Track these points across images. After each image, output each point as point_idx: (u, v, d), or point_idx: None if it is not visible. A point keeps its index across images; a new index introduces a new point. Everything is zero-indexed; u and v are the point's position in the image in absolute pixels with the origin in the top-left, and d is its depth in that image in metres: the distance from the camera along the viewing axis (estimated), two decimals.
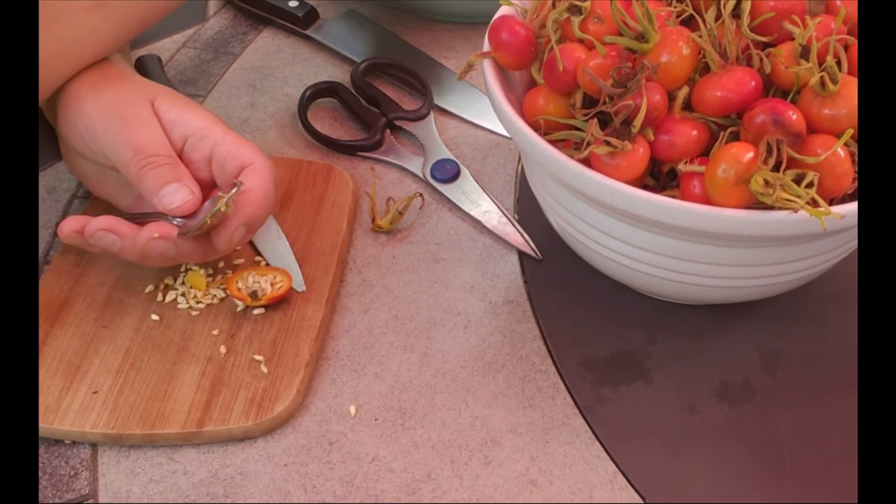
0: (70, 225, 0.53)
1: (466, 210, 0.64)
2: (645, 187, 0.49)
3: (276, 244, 0.60)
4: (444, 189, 0.65)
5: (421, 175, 0.66)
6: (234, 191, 0.52)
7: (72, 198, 0.64)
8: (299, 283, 0.58)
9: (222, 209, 0.51)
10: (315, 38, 0.78)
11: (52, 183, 0.65)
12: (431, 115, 0.70)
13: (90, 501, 0.48)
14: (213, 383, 0.52)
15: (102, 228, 0.53)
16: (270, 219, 0.61)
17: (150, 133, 0.53)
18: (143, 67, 0.70)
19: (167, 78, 0.70)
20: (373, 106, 0.71)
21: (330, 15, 0.80)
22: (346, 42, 0.77)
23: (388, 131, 0.69)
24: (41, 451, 0.51)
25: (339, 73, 0.75)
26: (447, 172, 0.66)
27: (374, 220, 0.62)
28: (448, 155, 0.67)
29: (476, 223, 0.63)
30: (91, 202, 0.62)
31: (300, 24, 0.78)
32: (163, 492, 0.49)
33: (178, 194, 0.52)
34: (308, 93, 0.71)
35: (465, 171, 0.66)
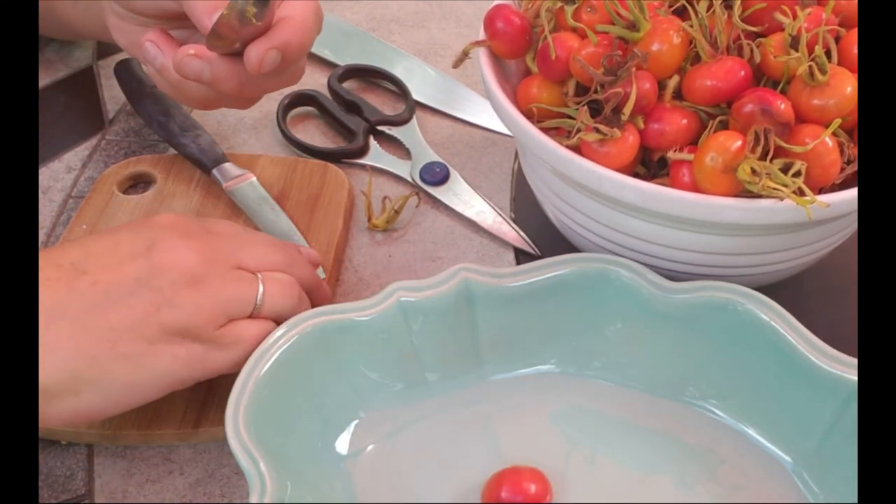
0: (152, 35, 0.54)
1: (460, 212, 0.63)
2: (636, 175, 0.49)
3: (290, 238, 0.60)
4: (436, 192, 0.65)
5: (410, 179, 0.66)
6: None
7: (66, 198, 0.64)
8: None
9: None
10: None
11: (47, 183, 0.65)
12: (415, 119, 0.70)
13: (86, 502, 0.48)
14: (209, 382, 0.52)
15: (151, 40, 0.53)
16: (280, 213, 0.61)
17: None
18: (126, 70, 0.70)
19: (150, 78, 0.70)
20: (353, 112, 0.70)
21: None
22: (331, 46, 0.76)
23: (371, 137, 0.69)
24: None
25: (323, 77, 0.74)
26: (436, 175, 0.65)
27: (370, 218, 0.62)
28: (435, 157, 0.67)
29: (471, 223, 0.63)
30: (87, 201, 0.62)
31: None
32: (159, 492, 0.49)
33: None
34: (285, 102, 0.70)
35: (454, 173, 0.66)
